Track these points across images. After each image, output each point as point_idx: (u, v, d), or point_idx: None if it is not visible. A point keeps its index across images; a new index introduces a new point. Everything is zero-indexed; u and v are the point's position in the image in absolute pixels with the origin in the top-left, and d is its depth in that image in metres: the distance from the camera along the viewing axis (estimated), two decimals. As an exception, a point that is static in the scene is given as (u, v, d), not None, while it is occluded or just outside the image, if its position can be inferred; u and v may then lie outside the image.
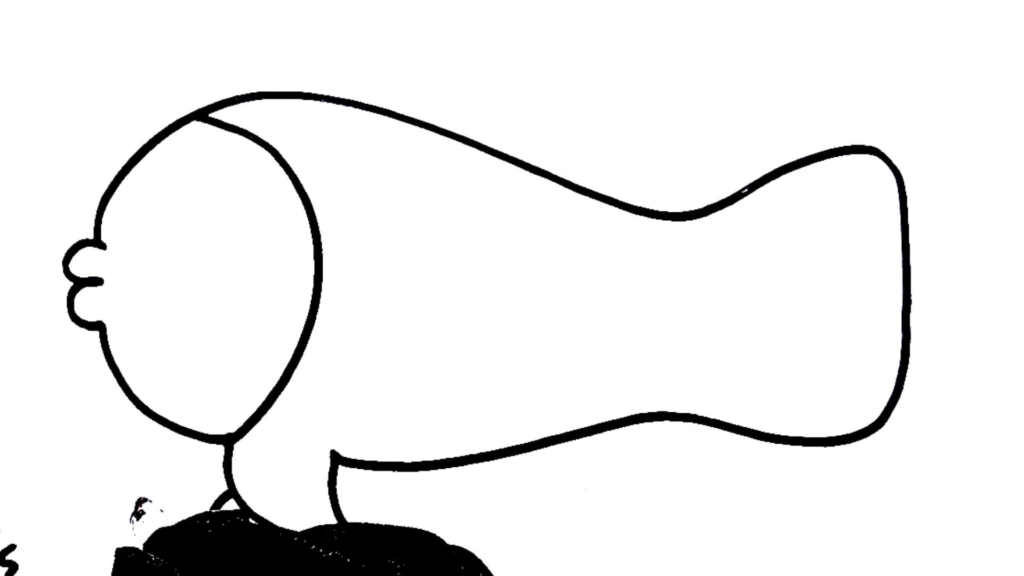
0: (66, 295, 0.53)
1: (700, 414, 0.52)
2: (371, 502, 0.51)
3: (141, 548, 0.39)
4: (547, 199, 0.53)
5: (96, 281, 0.53)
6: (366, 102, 0.54)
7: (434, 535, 0.41)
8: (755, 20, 0.54)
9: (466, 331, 0.52)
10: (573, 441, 0.52)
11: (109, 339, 0.52)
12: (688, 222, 0.53)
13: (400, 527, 0.41)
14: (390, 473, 0.51)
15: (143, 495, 0.37)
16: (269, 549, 0.37)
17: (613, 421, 0.52)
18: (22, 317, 0.53)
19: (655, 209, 0.53)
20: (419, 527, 0.42)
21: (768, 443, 0.52)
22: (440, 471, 0.51)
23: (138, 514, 0.37)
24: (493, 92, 0.54)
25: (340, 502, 0.51)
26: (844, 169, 0.53)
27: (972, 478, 0.51)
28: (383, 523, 0.41)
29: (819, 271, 0.52)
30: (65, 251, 0.53)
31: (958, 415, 0.52)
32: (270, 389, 0.52)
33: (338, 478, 0.51)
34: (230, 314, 0.52)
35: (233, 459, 0.52)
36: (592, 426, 0.52)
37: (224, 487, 0.52)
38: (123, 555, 0.37)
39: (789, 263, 0.53)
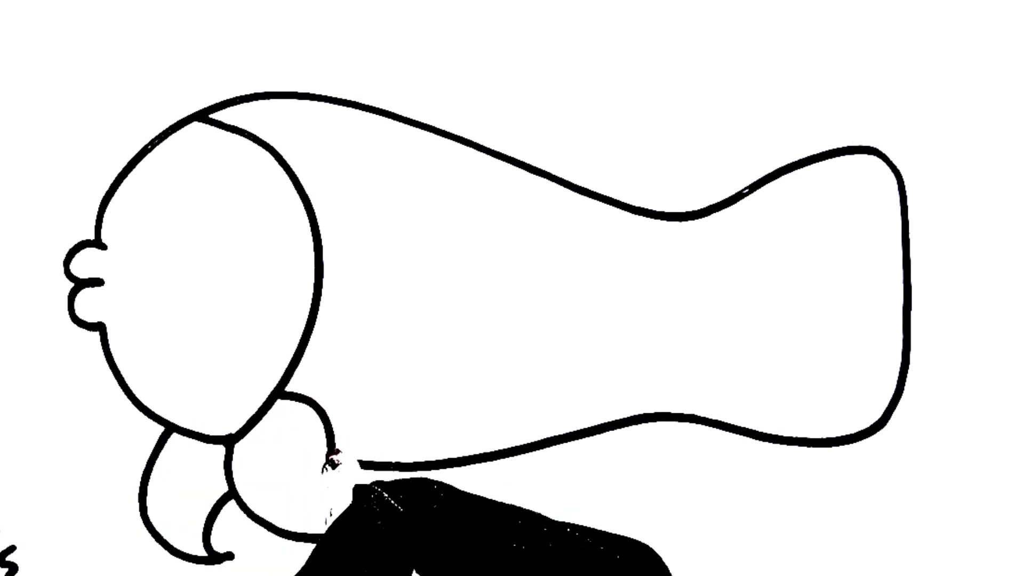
0: (67, 296, 0.53)
1: (700, 414, 0.52)
2: (371, 502, 0.51)
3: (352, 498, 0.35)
4: (547, 199, 0.53)
5: (97, 282, 0.53)
6: (366, 102, 0.54)
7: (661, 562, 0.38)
8: (755, 20, 0.54)
9: (466, 331, 0.52)
10: (573, 441, 0.52)
11: (109, 339, 0.52)
12: (688, 222, 0.53)
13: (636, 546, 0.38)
14: (390, 473, 0.51)
15: (336, 446, 0.35)
16: (508, 524, 0.34)
17: (613, 421, 0.52)
18: (22, 317, 0.53)
19: (655, 209, 0.53)
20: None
21: (768, 443, 0.52)
22: (440, 471, 0.51)
23: (332, 463, 0.34)
24: (493, 92, 0.54)
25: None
26: (844, 169, 0.53)
27: (972, 478, 0.51)
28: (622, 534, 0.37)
29: (819, 271, 0.52)
30: (66, 252, 0.53)
31: (958, 415, 0.52)
32: (270, 389, 0.52)
33: (338, 478, 0.51)
34: (230, 314, 0.52)
35: (233, 459, 0.52)
36: (592, 426, 0.52)
37: (224, 487, 0.52)
38: (364, 493, 0.33)
39: (789, 263, 0.53)
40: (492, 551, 0.32)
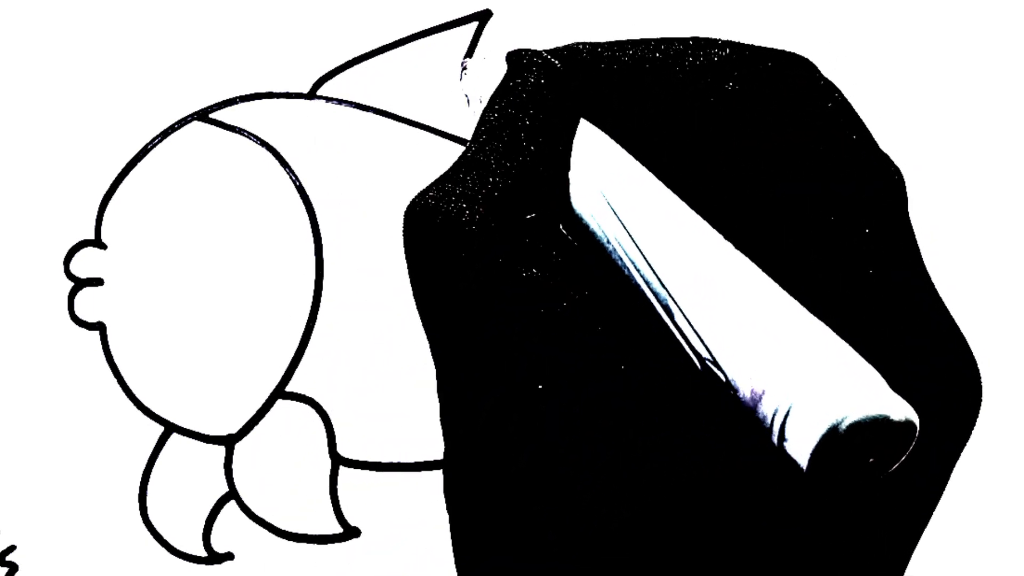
0: (67, 295, 0.53)
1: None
2: (371, 502, 0.51)
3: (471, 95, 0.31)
4: (547, 199, 0.53)
5: (97, 281, 0.53)
6: (367, 103, 0.54)
7: None
8: (755, 20, 0.54)
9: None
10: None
11: (109, 339, 0.52)
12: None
13: None
14: (390, 473, 0.51)
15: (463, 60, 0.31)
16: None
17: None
18: (22, 317, 0.53)
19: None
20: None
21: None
22: (441, 471, 0.51)
23: (463, 67, 0.31)
24: (493, 92, 0.54)
25: (340, 502, 0.51)
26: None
27: (971, 478, 0.51)
28: None
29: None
30: (66, 252, 0.53)
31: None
32: (270, 389, 0.52)
33: (338, 478, 0.51)
34: (230, 314, 0.52)
35: (233, 459, 0.52)
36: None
37: (224, 487, 0.52)
38: (515, 57, 0.28)
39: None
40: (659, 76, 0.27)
